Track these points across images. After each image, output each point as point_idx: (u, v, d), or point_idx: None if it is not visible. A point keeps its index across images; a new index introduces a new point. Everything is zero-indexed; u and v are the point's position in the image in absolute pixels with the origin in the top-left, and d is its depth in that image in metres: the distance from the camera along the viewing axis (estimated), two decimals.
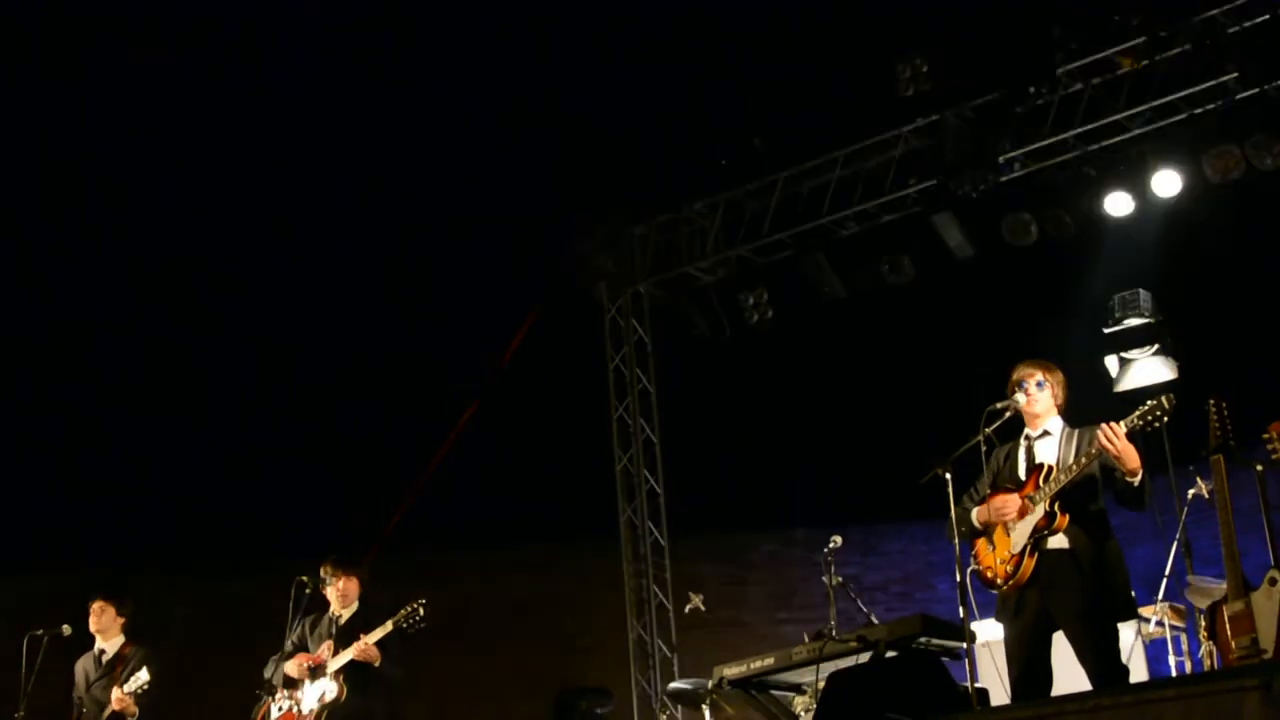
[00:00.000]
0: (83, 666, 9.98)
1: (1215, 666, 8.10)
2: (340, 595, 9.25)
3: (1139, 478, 6.88)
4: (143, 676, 9.43)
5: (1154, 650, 9.85)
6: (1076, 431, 7.23)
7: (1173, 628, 9.57)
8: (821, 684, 7.95)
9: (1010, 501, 7.18)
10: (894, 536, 15.24)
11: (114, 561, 13.41)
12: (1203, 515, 9.46)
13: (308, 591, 9.20)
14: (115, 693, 9.48)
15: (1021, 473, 7.28)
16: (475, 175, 13.01)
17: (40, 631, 9.76)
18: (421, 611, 8.84)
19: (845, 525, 10.21)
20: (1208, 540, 10.16)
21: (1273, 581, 6.50)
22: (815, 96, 12.25)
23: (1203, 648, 8.84)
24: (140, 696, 9.46)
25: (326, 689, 8.95)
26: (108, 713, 9.55)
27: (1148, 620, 9.45)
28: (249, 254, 13.05)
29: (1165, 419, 6.76)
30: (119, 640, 9.97)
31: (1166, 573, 9.51)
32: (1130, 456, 6.83)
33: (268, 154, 12.25)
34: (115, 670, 9.68)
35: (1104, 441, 6.81)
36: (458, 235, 13.61)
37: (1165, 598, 9.53)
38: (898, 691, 6.68)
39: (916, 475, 7.40)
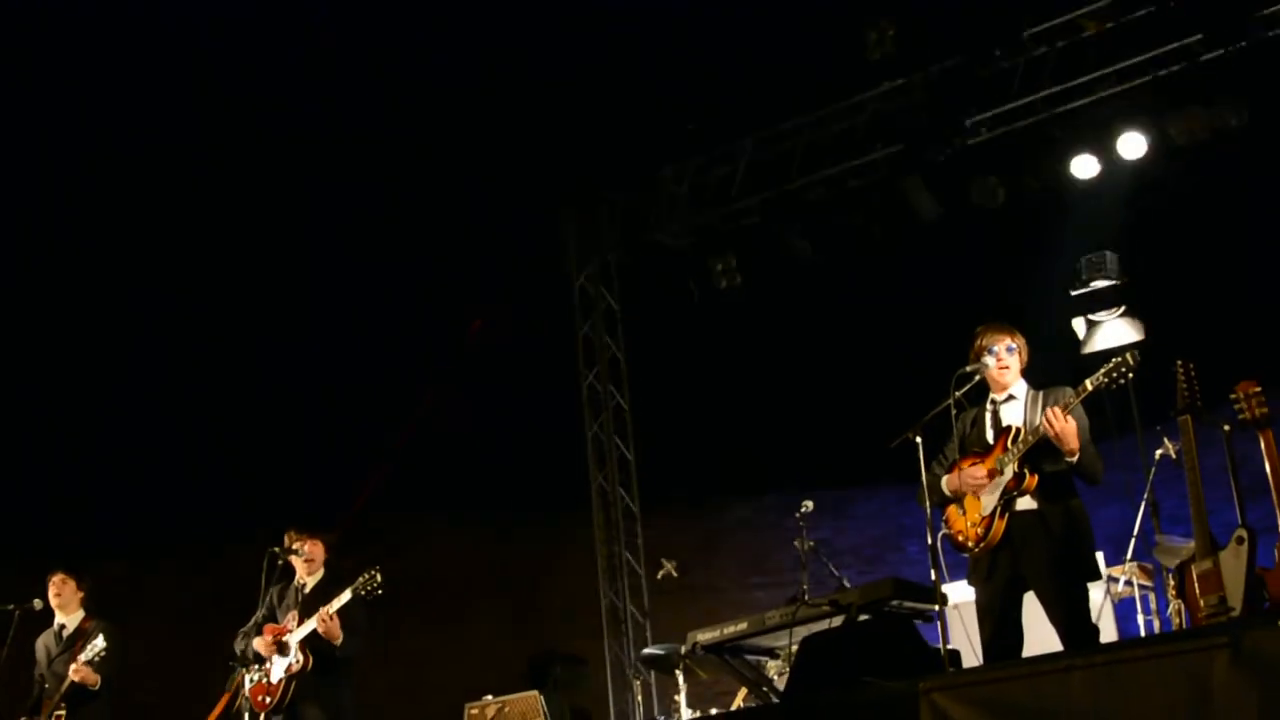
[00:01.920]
0: (43, 643, 9.95)
1: (1184, 625, 8.18)
2: (306, 560, 9.25)
3: (1076, 457, 6.96)
4: (99, 644, 9.43)
5: (1122, 609, 9.93)
6: (1041, 393, 7.28)
7: (1141, 587, 9.65)
8: (795, 648, 8.01)
9: (978, 470, 7.22)
10: (865, 500, 15.30)
11: (88, 536, 13.36)
12: (1170, 475, 9.52)
13: (280, 563, 9.22)
14: (73, 664, 9.48)
15: (989, 437, 7.32)
16: (443, 145, 12.95)
17: (11, 606, 9.73)
18: (379, 578, 8.86)
19: (816, 489, 10.22)
20: (1175, 500, 10.25)
21: (1240, 540, 6.55)
22: (782, 60, 12.22)
23: (1171, 606, 8.93)
24: (98, 665, 9.46)
25: (292, 659, 8.97)
26: (66, 685, 9.53)
27: (1116, 580, 9.53)
28: (227, 232, 13.02)
29: (1130, 375, 6.83)
30: (79, 615, 9.96)
31: (1135, 532, 9.58)
32: (1068, 438, 6.92)
33: (243, 137, 12.22)
34: (76, 645, 9.65)
35: (1046, 424, 6.90)
36: (426, 203, 13.55)
37: (1133, 557, 9.60)
38: (871, 654, 6.72)
39: (886, 438, 7.44)
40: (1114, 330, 11.66)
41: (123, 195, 12.72)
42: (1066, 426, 6.91)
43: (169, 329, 13.66)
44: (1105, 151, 11.55)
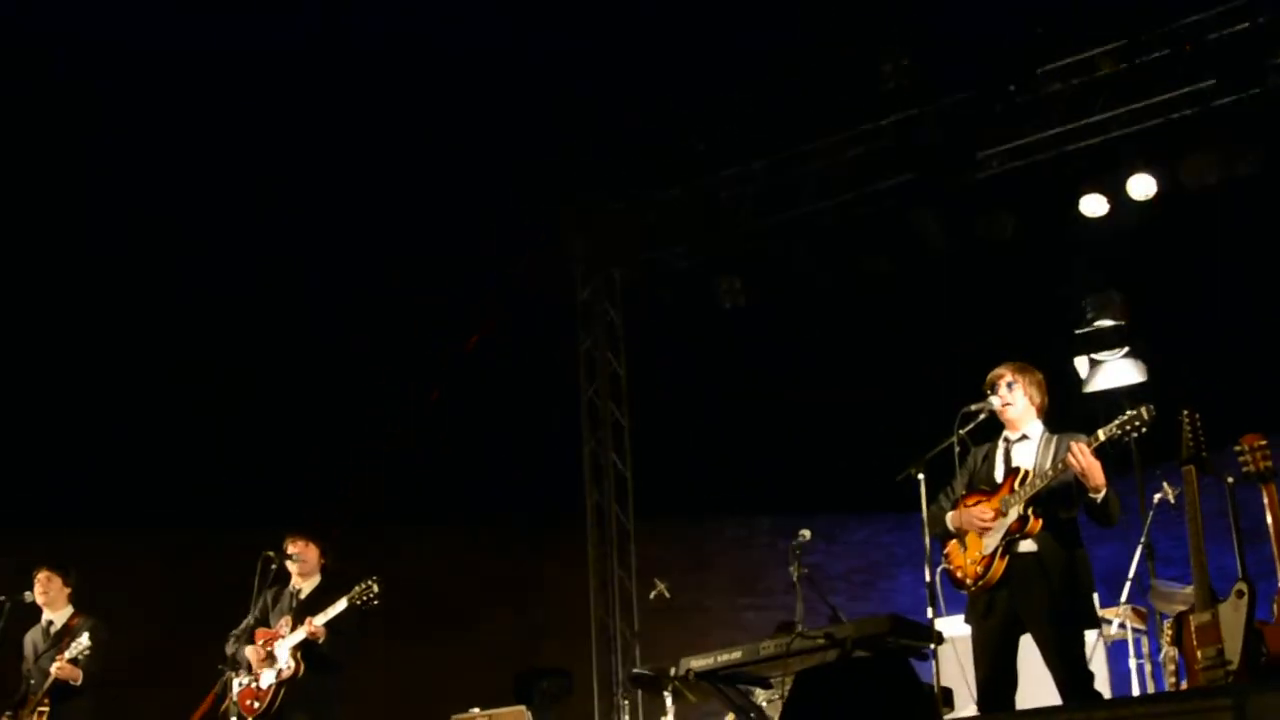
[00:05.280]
0: (31, 639, 9.97)
1: (1177, 671, 8.20)
2: (300, 563, 9.24)
3: (1102, 494, 6.94)
4: (83, 642, 9.46)
5: (1113, 651, 9.93)
6: (1056, 437, 7.25)
7: (1134, 630, 9.65)
8: (787, 679, 8.00)
9: (984, 509, 7.21)
10: (858, 526, 15.30)
11: (82, 529, 13.34)
12: (1166, 518, 9.53)
13: (273, 567, 9.22)
14: (57, 661, 9.47)
15: (998, 475, 7.30)
16: (447, 156, 12.95)
17: (3, 598, 9.73)
18: (375, 588, 8.87)
19: (810, 513, 10.22)
20: (1169, 542, 10.27)
21: (1240, 594, 6.54)
22: (796, 86, 12.23)
23: (1164, 652, 8.92)
24: (82, 663, 9.46)
25: (283, 664, 8.96)
26: (49, 682, 9.53)
27: (1109, 621, 9.53)
28: (225, 225, 13.03)
29: (1144, 430, 6.83)
30: (67, 611, 9.97)
31: (1130, 575, 9.58)
32: (1095, 474, 6.89)
33: (244, 126, 12.23)
34: (63, 641, 9.66)
35: (1070, 459, 6.88)
36: (430, 208, 13.54)
37: (1128, 600, 9.60)
38: (865, 693, 6.71)
39: (883, 465, 7.44)
40: (1116, 371, 11.64)
41: (131, 196, 12.74)
42: (1093, 462, 6.88)
43: (170, 323, 13.64)
44: (1115, 191, 11.55)
